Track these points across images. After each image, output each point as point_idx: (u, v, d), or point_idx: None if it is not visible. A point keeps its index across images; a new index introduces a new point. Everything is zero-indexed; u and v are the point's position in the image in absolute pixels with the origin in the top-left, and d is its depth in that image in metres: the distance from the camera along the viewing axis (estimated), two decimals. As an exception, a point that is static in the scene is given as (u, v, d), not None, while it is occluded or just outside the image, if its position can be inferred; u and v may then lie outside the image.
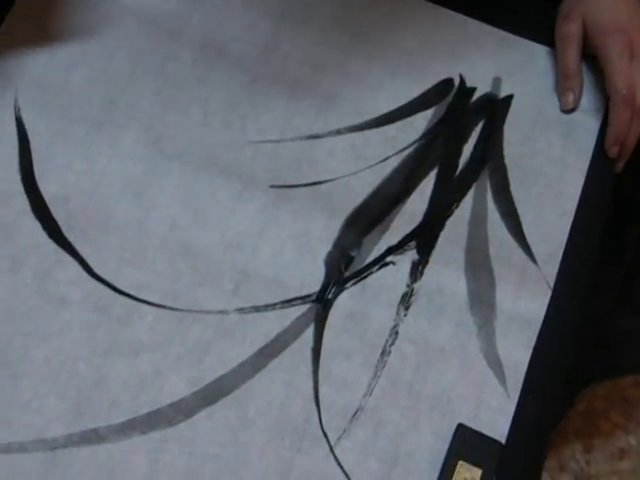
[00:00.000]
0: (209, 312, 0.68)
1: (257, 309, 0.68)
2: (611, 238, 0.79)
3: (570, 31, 0.78)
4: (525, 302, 0.71)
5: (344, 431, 0.66)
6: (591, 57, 0.79)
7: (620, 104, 0.75)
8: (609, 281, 0.86)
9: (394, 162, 0.75)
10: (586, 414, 1.34)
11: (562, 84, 0.79)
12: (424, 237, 0.72)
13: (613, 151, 0.76)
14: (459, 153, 0.76)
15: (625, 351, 0.95)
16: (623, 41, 0.75)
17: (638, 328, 0.96)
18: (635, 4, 0.78)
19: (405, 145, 0.76)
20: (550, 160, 0.76)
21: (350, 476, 0.64)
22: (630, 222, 0.87)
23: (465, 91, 0.79)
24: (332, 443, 0.65)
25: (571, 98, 0.78)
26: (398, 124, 0.77)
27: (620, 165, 0.78)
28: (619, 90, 0.74)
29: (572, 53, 0.78)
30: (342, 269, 0.70)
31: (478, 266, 0.72)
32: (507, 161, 0.76)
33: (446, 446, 0.65)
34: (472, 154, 0.76)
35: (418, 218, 0.73)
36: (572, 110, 0.79)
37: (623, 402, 1.35)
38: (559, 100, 0.79)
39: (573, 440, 1.32)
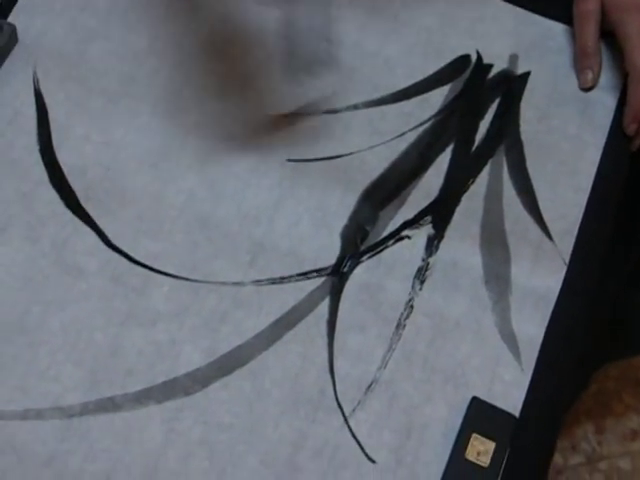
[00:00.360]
0: (225, 283, 0.68)
1: (273, 281, 0.69)
2: (626, 216, 0.79)
3: (588, 8, 0.78)
4: (540, 278, 0.71)
5: (359, 403, 0.66)
6: (608, 34, 0.79)
7: (639, 81, 0.74)
8: (623, 259, 0.86)
9: (410, 137, 0.75)
10: (598, 395, 1.34)
11: (581, 62, 0.78)
12: (440, 212, 0.72)
13: (631, 129, 0.76)
14: (475, 129, 0.76)
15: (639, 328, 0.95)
16: None
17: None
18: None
19: (421, 121, 0.76)
20: (566, 137, 0.76)
21: (364, 447, 0.65)
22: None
23: (482, 67, 0.79)
24: (346, 414, 0.66)
25: (590, 76, 0.78)
26: (415, 100, 0.77)
27: (637, 143, 0.78)
28: (638, 67, 0.74)
29: (590, 31, 0.78)
30: (358, 243, 0.71)
31: (493, 241, 0.72)
32: (523, 137, 0.76)
33: (460, 419, 0.66)
34: (488, 130, 0.76)
35: (434, 193, 0.73)
36: (591, 88, 0.78)
37: (635, 383, 1.36)
38: (578, 78, 0.79)
39: (585, 421, 1.33)
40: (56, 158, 0.71)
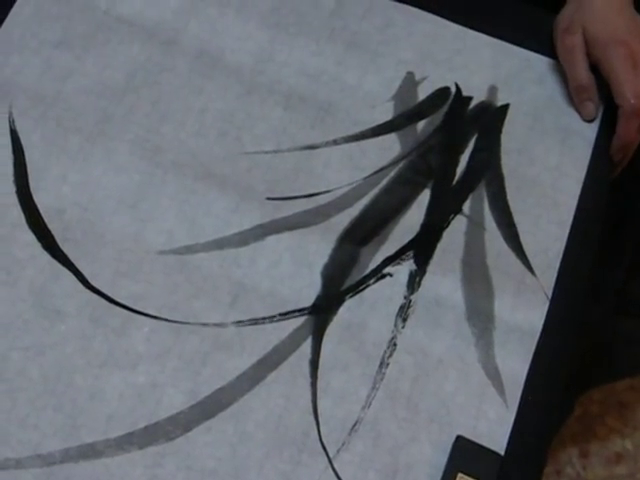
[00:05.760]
0: (206, 325, 0.68)
1: (255, 322, 0.68)
2: (609, 242, 0.79)
3: (574, 42, 0.77)
4: (523, 312, 0.71)
5: (343, 444, 0.65)
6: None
7: (629, 113, 0.74)
8: (607, 285, 0.86)
9: (391, 172, 0.75)
10: (582, 419, 1.34)
11: (579, 96, 0.78)
12: (421, 247, 0.72)
13: (617, 157, 0.77)
14: (456, 162, 0.76)
15: (623, 353, 0.95)
16: (625, 51, 0.75)
17: (635, 330, 0.96)
18: (631, 14, 0.77)
19: (402, 155, 0.75)
20: (547, 168, 0.76)
21: (349, 489, 0.64)
22: (627, 225, 0.87)
23: (461, 100, 0.78)
24: (331, 456, 0.65)
25: (592, 107, 0.78)
26: (394, 134, 0.76)
27: (618, 170, 0.78)
28: (628, 99, 0.74)
29: (581, 64, 0.77)
30: (339, 281, 0.70)
31: (476, 276, 0.71)
32: (504, 170, 0.76)
33: (445, 458, 0.65)
34: (468, 163, 0.76)
35: (415, 229, 0.73)
36: (594, 119, 0.78)
37: (619, 406, 1.36)
38: (580, 112, 0.78)
39: (569, 445, 1.32)
40: (33, 199, 0.70)
